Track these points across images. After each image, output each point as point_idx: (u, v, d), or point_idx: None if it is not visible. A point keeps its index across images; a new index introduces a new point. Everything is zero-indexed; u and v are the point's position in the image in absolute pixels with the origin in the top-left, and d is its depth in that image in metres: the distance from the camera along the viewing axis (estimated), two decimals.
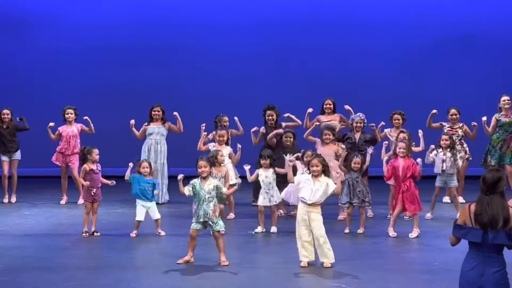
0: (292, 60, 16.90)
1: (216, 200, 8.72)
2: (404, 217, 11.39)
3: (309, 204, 8.56)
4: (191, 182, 8.73)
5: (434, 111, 13.02)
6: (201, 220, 8.62)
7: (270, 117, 12.68)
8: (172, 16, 16.78)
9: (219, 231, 8.64)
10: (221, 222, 8.71)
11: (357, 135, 12.23)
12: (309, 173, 8.75)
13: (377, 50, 16.95)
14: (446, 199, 13.13)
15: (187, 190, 8.74)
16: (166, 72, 16.64)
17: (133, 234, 10.44)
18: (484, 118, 13.05)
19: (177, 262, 8.67)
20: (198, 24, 16.80)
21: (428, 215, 11.75)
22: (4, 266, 8.54)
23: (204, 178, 8.69)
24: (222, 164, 10.81)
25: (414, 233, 10.31)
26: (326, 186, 8.57)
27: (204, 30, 16.81)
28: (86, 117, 13.19)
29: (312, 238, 8.60)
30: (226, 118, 12.82)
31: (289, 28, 16.82)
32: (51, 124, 13.13)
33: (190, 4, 16.84)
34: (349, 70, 16.84)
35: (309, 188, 8.57)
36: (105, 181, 10.61)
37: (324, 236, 8.56)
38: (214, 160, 10.19)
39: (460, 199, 12.83)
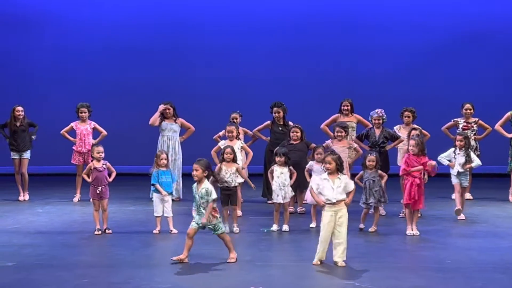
0: (306, 60, 16.87)
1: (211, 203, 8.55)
2: (400, 214, 11.44)
3: (334, 203, 8.53)
4: (193, 185, 8.76)
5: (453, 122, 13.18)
6: (199, 224, 8.61)
7: (277, 114, 12.73)
8: (183, 16, 16.80)
9: (222, 233, 8.68)
10: (221, 225, 8.67)
11: (377, 132, 12.18)
12: (325, 170, 8.72)
13: (389, 49, 16.91)
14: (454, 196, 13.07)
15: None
16: (177, 71, 16.67)
17: (156, 231, 10.44)
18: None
19: (171, 258, 8.66)
20: (209, 24, 16.82)
21: (461, 215, 11.58)
22: (17, 263, 8.57)
23: (199, 182, 8.62)
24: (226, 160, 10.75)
25: (414, 231, 10.27)
26: (345, 184, 8.57)
27: (215, 30, 16.82)
28: (94, 123, 13.23)
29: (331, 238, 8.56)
30: (234, 115, 12.84)
31: (301, 28, 16.80)
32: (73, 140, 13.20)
33: (201, 5, 16.83)
34: (361, 69, 16.80)
35: (329, 187, 8.55)
36: (110, 179, 10.61)
37: (346, 234, 8.56)
38: (217, 178, 9.92)
39: (468, 196, 12.80)
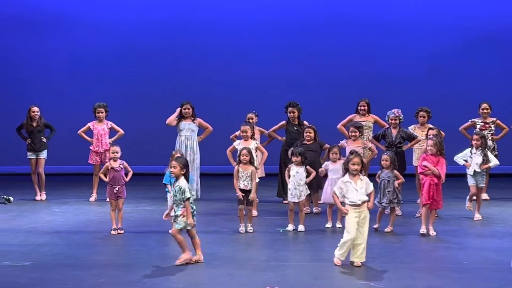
0: (322, 60, 16.84)
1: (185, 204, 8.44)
2: (416, 215, 11.43)
3: (359, 205, 8.52)
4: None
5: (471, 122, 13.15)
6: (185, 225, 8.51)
7: (292, 114, 12.72)
8: (200, 17, 16.82)
9: (176, 229, 8.49)
10: (181, 222, 8.46)
11: (394, 132, 12.15)
12: (347, 172, 8.67)
13: (406, 50, 16.86)
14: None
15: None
16: (194, 71, 16.69)
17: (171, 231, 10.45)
18: None
19: (175, 264, 8.53)
20: (225, 25, 16.83)
21: (477, 215, 11.53)
22: (34, 262, 8.61)
23: (176, 179, 8.55)
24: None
25: (431, 231, 10.24)
26: (366, 184, 8.57)
27: (232, 31, 16.83)
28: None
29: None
30: (250, 115, 12.85)
31: (318, 29, 16.77)
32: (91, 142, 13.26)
33: (217, 6, 16.84)
34: (377, 70, 16.74)
35: (353, 189, 8.54)
36: (126, 178, 10.64)
37: (367, 235, 8.56)
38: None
39: (485, 196, 12.73)
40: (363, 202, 8.53)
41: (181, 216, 8.48)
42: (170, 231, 8.75)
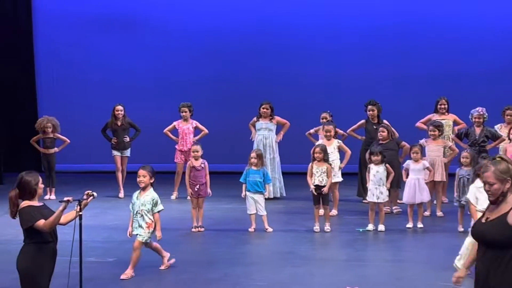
0: (400, 59, 16.62)
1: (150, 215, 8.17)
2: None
3: None
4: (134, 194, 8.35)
5: None
6: (135, 232, 8.21)
7: (371, 112, 12.61)
8: (278, 16, 16.80)
9: (139, 241, 8.23)
10: (144, 234, 8.21)
11: (477, 131, 11.91)
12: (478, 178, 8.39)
13: (490, 47, 16.46)
14: None
15: (130, 205, 8.31)
16: (271, 70, 16.69)
17: (251, 229, 10.53)
18: None
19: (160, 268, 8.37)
20: (301, 24, 16.75)
21: None
22: (118, 259, 8.80)
23: (143, 189, 8.19)
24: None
25: None
26: None
27: (309, 30, 16.74)
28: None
29: None
30: (324, 115, 12.80)
31: (395, 28, 16.55)
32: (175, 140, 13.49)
33: (296, 7, 16.80)
34: (460, 68, 16.41)
35: (484, 194, 8.38)
36: (206, 178, 10.73)
37: None
38: None
39: None
40: None
41: (146, 228, 8.18)
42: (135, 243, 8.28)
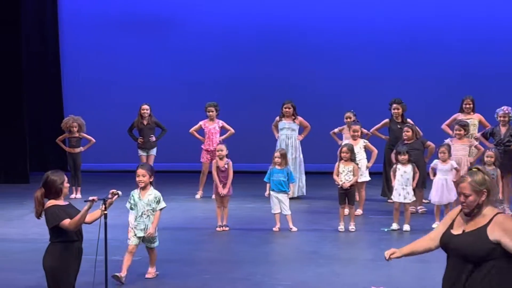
0: (425, 58, 16.52)
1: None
2: None
3: None
4: (131, 192, 8.11)
5: None
6: (140, 234, 8.04)
7: (396, 111, 12.55)
8: (302, 16, 16.78)
9: (153, 248, 8.15)
10: (157, 239, 8.15)
11: (503, 130, 11.81)
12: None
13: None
14: None
15: (127, 204, 8.06)
16: (295, 70, 16.68)
17: (275, 229, 10.53)
18: None
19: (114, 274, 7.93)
20: (326, 24, 16.71)
21: None
22: (142, 258, 8.82)
23: (143, 188, 8.01)
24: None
25: None
26: None
27: (333, 30, 16.70)
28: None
29: None
30: (348, 114, 12.77)
31: (420, 28, 16.46)
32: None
33: (323, 7, 16.75)
34: (484, 67, 16.28)
35: None
36: (230, 177, 10.73)
37: None
38: None
39: None
40: None
41: (147, 235, 8.03)
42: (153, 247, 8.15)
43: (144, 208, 7.98)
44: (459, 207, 4.92)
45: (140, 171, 7.98)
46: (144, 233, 8.00)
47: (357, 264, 8.56)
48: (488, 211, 4.75)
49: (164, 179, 15.24)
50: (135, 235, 8.02)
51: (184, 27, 16.91)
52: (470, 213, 4.76)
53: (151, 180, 8.03)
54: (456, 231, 4.80)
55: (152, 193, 8.02)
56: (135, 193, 8.05)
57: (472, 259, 4.67)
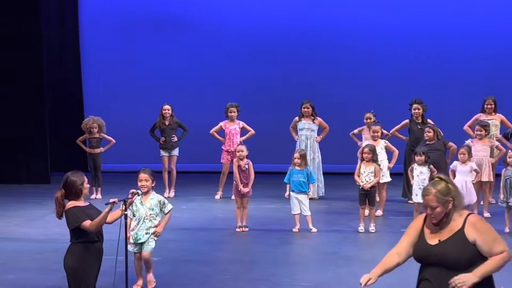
0: (445, 60, 16.44)
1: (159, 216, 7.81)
2: None
3: None
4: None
5: None
6: (141, 241, 7.78)
7: (416, 111, 12.51)
8: (322, 16, 16.75)
9: (150, 252, 7.82)
10: (152, 243, 7.83)
11: None
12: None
13: None
14: None
15: (128, 211, 7.11)
16: (314, 70, 16.65)
17: (295, 229, 10.53)
18: None
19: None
20: (346, 24, 16.67)
21: None
22: (163, 258, 8.86)
23: (145, 193, 7.81)
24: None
25: None
26: None
27: (352, 30, 16.65)
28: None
29: None
30: (368, 115, 12.72)
31: (442, 30, 16.37)
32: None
33: (342, 8, 16.72)
34: (506, 68, 16.16)
35: None
36: (251, 178, 10.72)
37: None
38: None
39: None
40: None
41: (154, 235, 7.82)
42: (145, 253, 7.79)
43: (146, 212, 7.79)
44: (421, 216, 4.96)
45: (143, 175, 7.83)
46: (147, 234, 7.79)
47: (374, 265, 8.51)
48: (456, 216, 4.78)
49: (184, 179, 15.30)
50: (135, 242, 7.82)
51: (205, 28, 16.92)
52: (439, 223, 4.78)
53: (153, 185, 7.92)
54: (432, 241, 4.79)
55: (155, 197, 7.87)
56: (138, 198, 7.75)
57: (455, 266, 4.68)
